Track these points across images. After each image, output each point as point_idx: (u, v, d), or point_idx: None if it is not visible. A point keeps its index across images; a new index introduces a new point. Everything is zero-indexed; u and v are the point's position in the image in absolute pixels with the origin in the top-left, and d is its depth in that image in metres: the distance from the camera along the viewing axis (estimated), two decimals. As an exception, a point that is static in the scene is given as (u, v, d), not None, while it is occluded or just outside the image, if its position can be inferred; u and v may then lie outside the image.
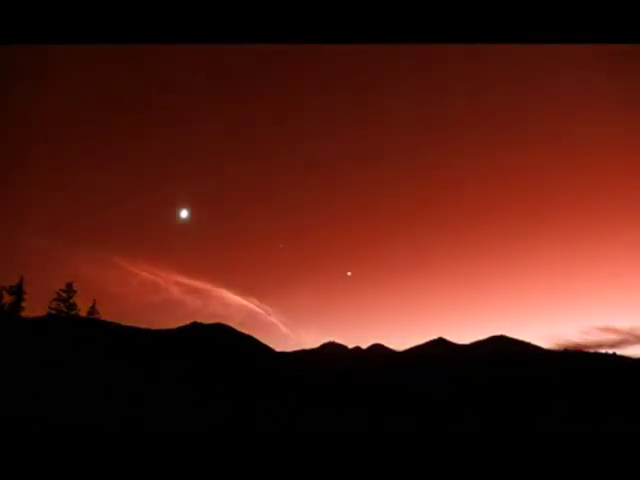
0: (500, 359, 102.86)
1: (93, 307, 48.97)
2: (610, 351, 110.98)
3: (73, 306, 44.14)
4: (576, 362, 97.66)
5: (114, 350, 51.57)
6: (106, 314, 62.05)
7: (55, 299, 43.03)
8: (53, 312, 42.17)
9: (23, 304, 41.37)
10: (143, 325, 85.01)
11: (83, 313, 46.41)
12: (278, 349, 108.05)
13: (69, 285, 44.61)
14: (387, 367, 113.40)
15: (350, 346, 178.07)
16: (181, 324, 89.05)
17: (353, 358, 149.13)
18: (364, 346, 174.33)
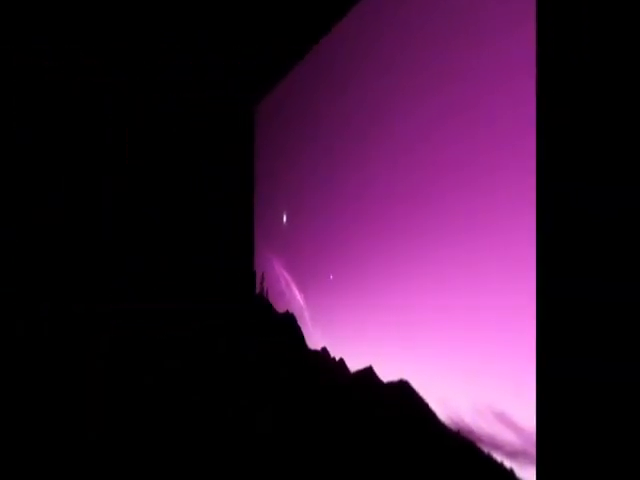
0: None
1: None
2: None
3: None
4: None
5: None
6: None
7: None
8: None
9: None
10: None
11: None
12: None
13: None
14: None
15: (337, 357, 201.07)
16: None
17: (330, 373, 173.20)
18: (356, 361, 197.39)
